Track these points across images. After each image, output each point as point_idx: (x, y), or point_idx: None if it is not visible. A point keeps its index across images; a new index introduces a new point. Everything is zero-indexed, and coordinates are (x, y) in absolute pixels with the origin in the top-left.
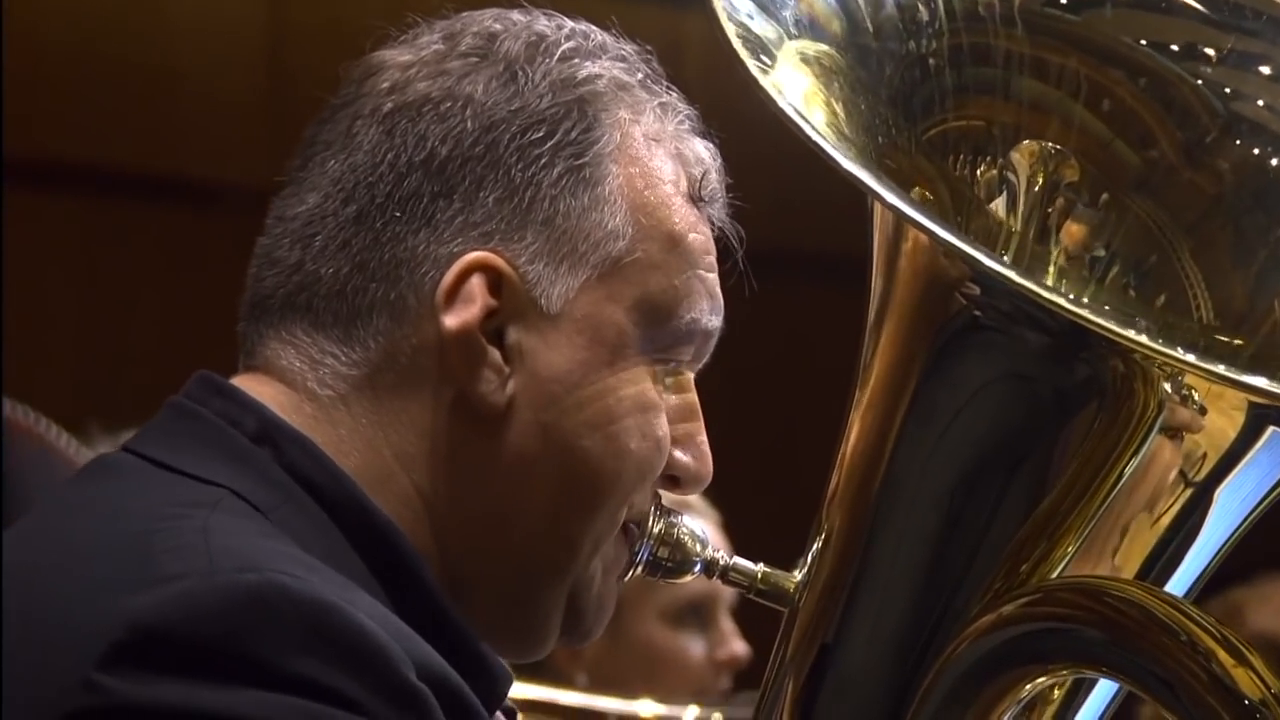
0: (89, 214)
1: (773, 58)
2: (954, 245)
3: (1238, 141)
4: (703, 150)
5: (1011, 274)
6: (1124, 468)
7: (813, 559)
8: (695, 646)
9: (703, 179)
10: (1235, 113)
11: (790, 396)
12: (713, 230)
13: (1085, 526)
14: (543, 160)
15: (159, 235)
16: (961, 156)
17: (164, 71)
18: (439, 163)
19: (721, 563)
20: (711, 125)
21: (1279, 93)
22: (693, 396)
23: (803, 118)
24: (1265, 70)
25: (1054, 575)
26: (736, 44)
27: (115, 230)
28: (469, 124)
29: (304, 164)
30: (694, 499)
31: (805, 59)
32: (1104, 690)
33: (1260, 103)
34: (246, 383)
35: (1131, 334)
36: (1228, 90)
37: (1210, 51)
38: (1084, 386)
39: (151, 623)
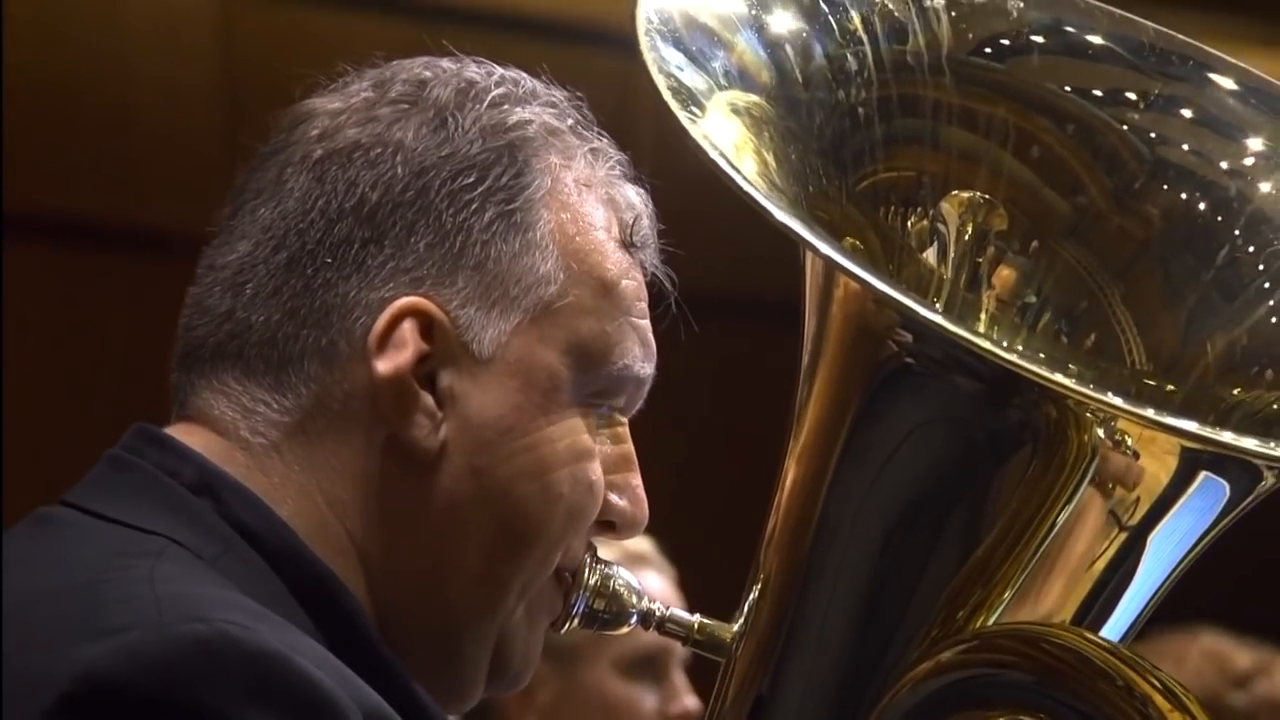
0: (48, 261)
1: (702, 108)
2: (885, 293)
3: (1165, 186)
4: (634, 196)
5: (942, 320)
6: (1059, 513)
7: (749, 607)
8: (647, 699)
9: (634, 224)
10: (1161, 158)
11: (738, 444)
12: (645, 275)
13: (1021, 572)
14: (474, 205)
15: (117, 282)
16: (892, 207)
17: (120, 119)
18: (369, 209)
19: (658, 614)
20: (665, 173)
21: (1204, 137)
22: (628, 442)
23: (733, 167)
24: (1188, 114)
25: (991, 621)
26: (667, 95)
27: (74, 277)
28: (399, 170)
29: (234, 212)
30: (651, 555)
31: (736, 109)
32: None
33: (1185, 147)
34: (180, 432)
35: (1061, 379)
36: (1153, 135)
37: (1134, 97)
38: (1017, 431)
39: (100, 674)
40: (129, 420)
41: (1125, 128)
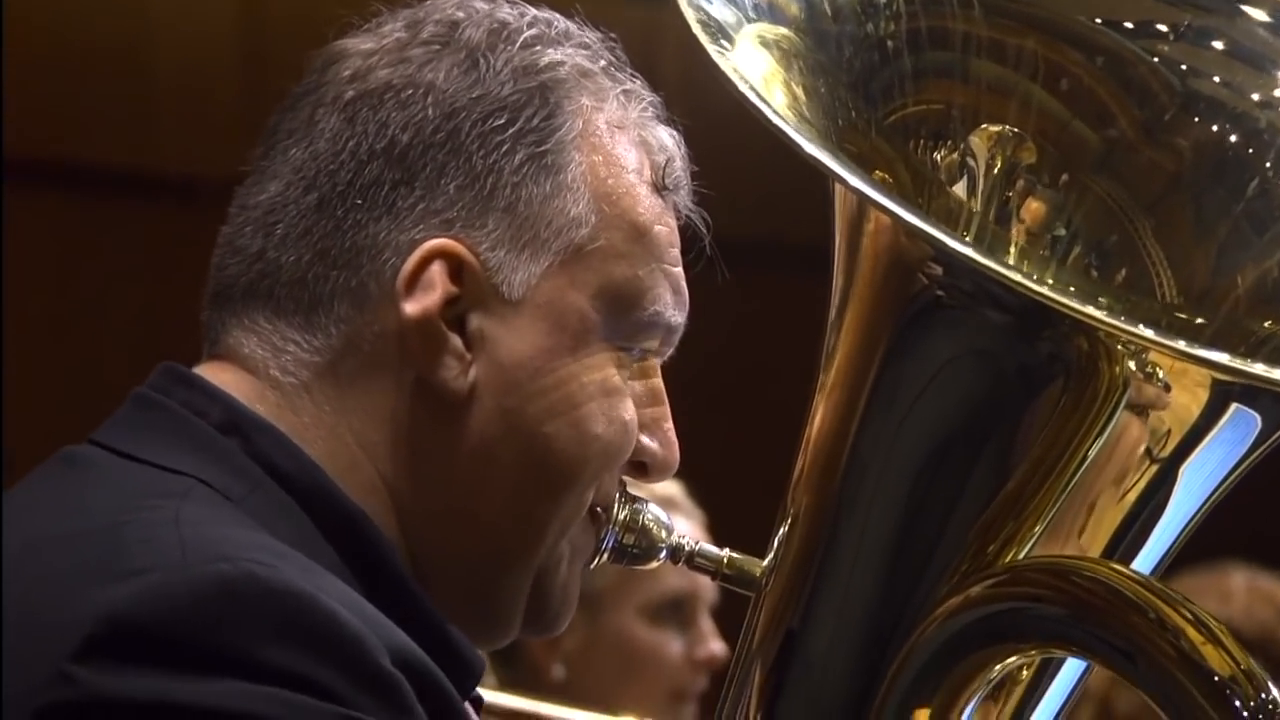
0: (64, 210)
1: (731, 41)
2: (916, 225)
3: (1196, 119)
4: (666, 138)
5: (972, 253)
6: (1090, 446)
7: (779, 543)
8: (673, 644)
9: (666, 166)
10: (1192, 90)
11: (766, 385)
12: (679, 218)
13: (1052, 505)
14: (504, 147)
15: (135, 230)
16: (921, 140)
17: (139, 66)
18: (400, 150)
19: (688, 548)
20: (689, 117)
21: (1234, 69)
22: (658, 383)
23: (763, 100)
24: (1219, 45)
25: (1021, 555)
26: (696, 28)
27: (91, 226)
28: (430, 111)
29: (267, 152)
30: (680, 499)
31: (765, 42)
32: (1072, 670)
33: (1216, 79)
34: (210, 371)
35: (1093, 311)
36: (1184, 67)
37: (1165, 29)
38: (1049, 365)
39: (125, 615)
40: (147, 368)
41: (1155, 59)
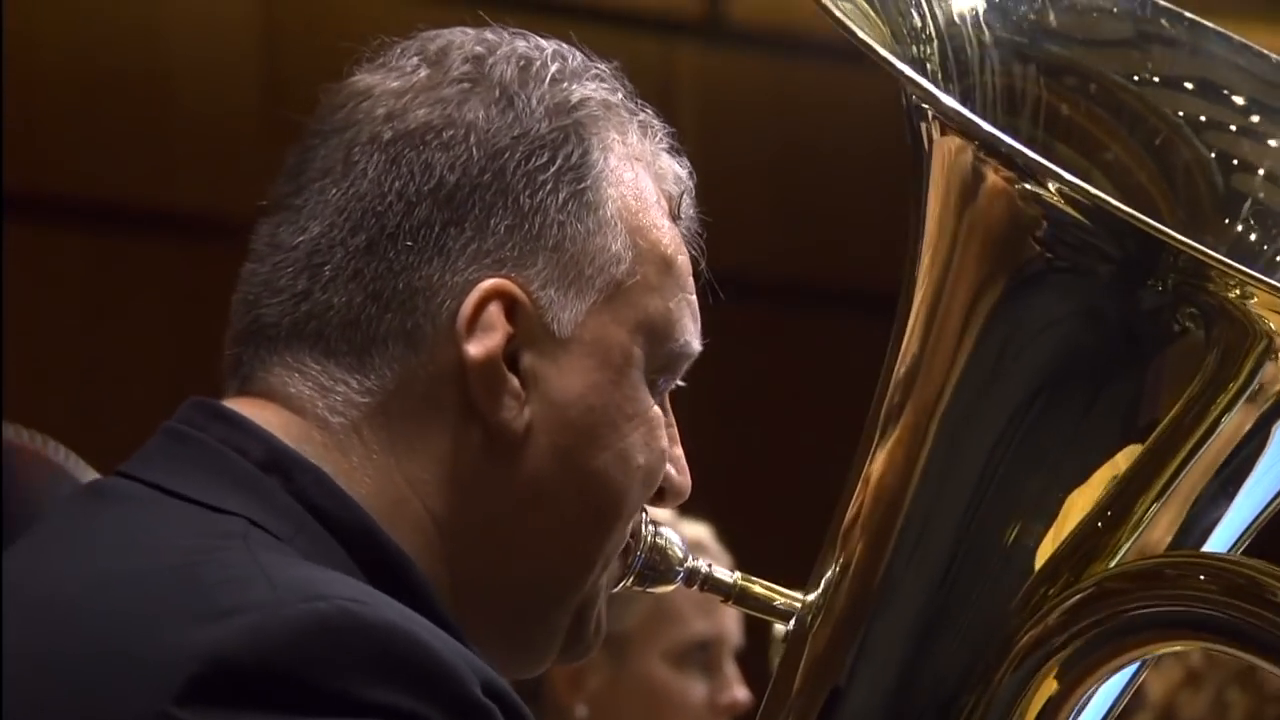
0: (86, 246)
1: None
2: (1038, 161)
3: (1225, 220)
4: (678, 168)
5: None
6: (1220, 417)
7: (828, 585)
8: (697, 689)
9: (681, 198)
10: (1234, 189)
11: (782, 424)
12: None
13: (1159, 498)
14: (548, 186)
15: (154, 264)
16: None
17: (159, 102)
18: (448, 191)
19: (703, 571)
20: (706, 156)
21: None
22: (670, 415)
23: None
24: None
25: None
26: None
27: (112, 261)
28: (475, 152)
29: (297, 190)
30: (709, 542)
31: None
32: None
33: (1253, 164)
34: (250, 408)
35: (1242, 266)
36: (1235, 162)
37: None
38: (1191, 340)
39: (226, 656)
40: (166, 401)
41: (1205, 150)
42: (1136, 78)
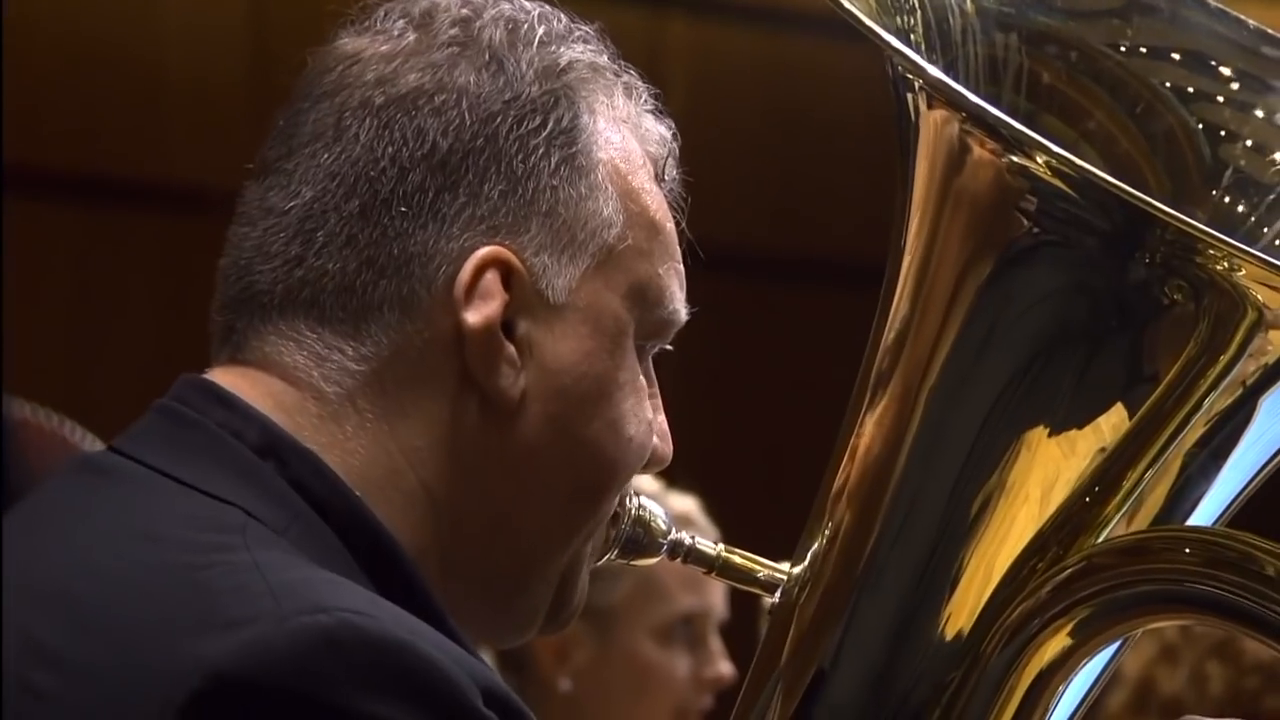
0: (78, 219)
1: None
2: (1025, 133)
3: (1212, 192)
4: (663, 129)
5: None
6: (1207, 394)
7: (814, 558)
8: (682, 663)
9: (665, 160)
10: (1221, 157)
11: (767, 399)
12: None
13: (1149, 468)
14: (540, 150)
15: (146, 237)
16: None
17: (150, 75)
18: (441, 157)
19: (685, 543)
20: (696, 127)
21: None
22: (653, 377)
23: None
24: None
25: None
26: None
27: (104, 235)
28: (467, 117)
29: (287, 154)
30: (696, 516)
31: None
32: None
33: (1236, 132)
34: (241, 381)
35: (1232, 240)
36: (1223, 133)
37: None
38: (1181, 312)
39: (230, 671)
40: (157, 375)
41: (1201, 126)
42: (1118, 46)
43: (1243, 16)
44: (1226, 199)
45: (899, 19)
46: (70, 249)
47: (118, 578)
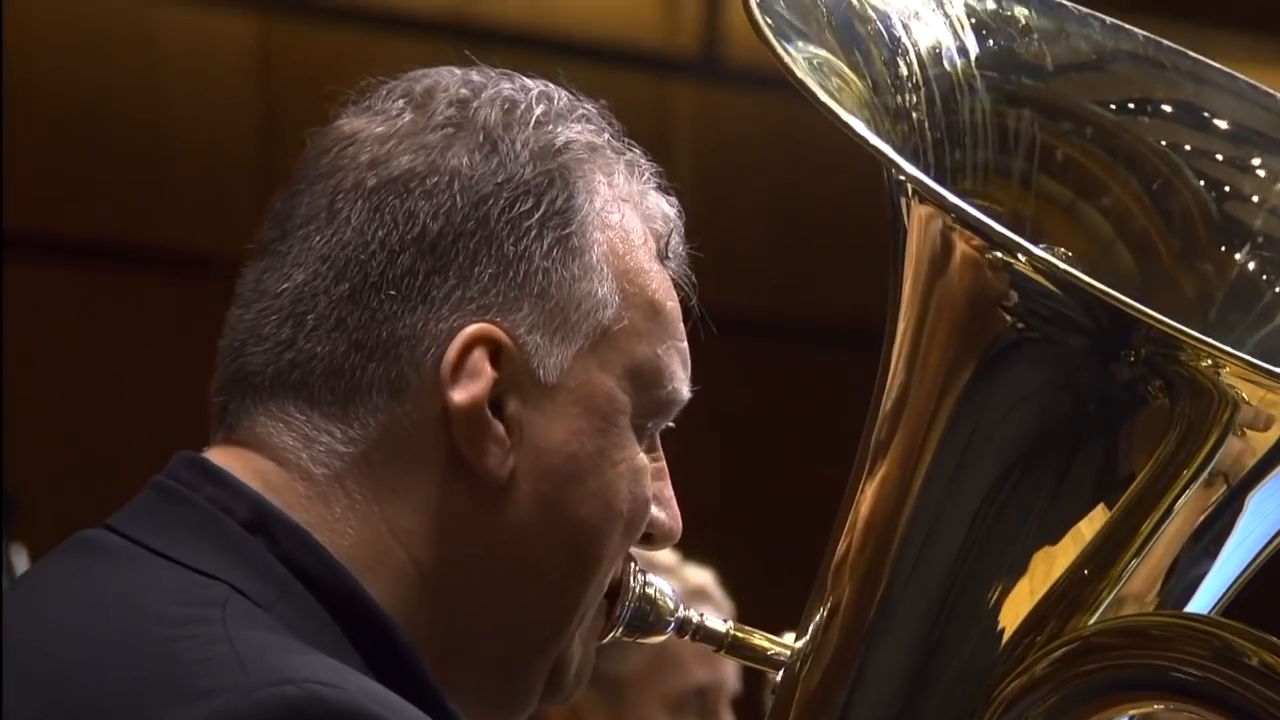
0: (81, 283)
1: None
2: (1011, 238)
3: (1223, 248)
4: (666, 207)
5: (1086, 276)
6: (1186, 485)
7: (816, 629)
8: None
9: (669, 237)
10: (1230, 216)
11: (767, 462)
12: (677, 287)
13: (1135, 556)
14: (533, 233)
15: (150, 305)
16: None
17: (155, 139)
18: (431, 239)
19: (694, 621)
20: (702, 192)
21: (1266, 189)
22: (661, 455)
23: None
24: (1263, 173)
25: (1093, 619)
26: (803, 76)
27: (108, 300)
28: (458, 199)
29: (282, 236)
30: (711, 589)
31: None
32: None
33: (1255, 199)
34: (233, 460)
35: (1201, 336)
36: (1227, 189)
37: (1219, 153)
38: (1158, 408)
39: None
40: (159, 443)
41: (1201, 183)
42: (1131, 110)
43: (1272, 91)
44: (1250, 266)
45: (900, 98)
46: (71, 314)
47: (93, 649)
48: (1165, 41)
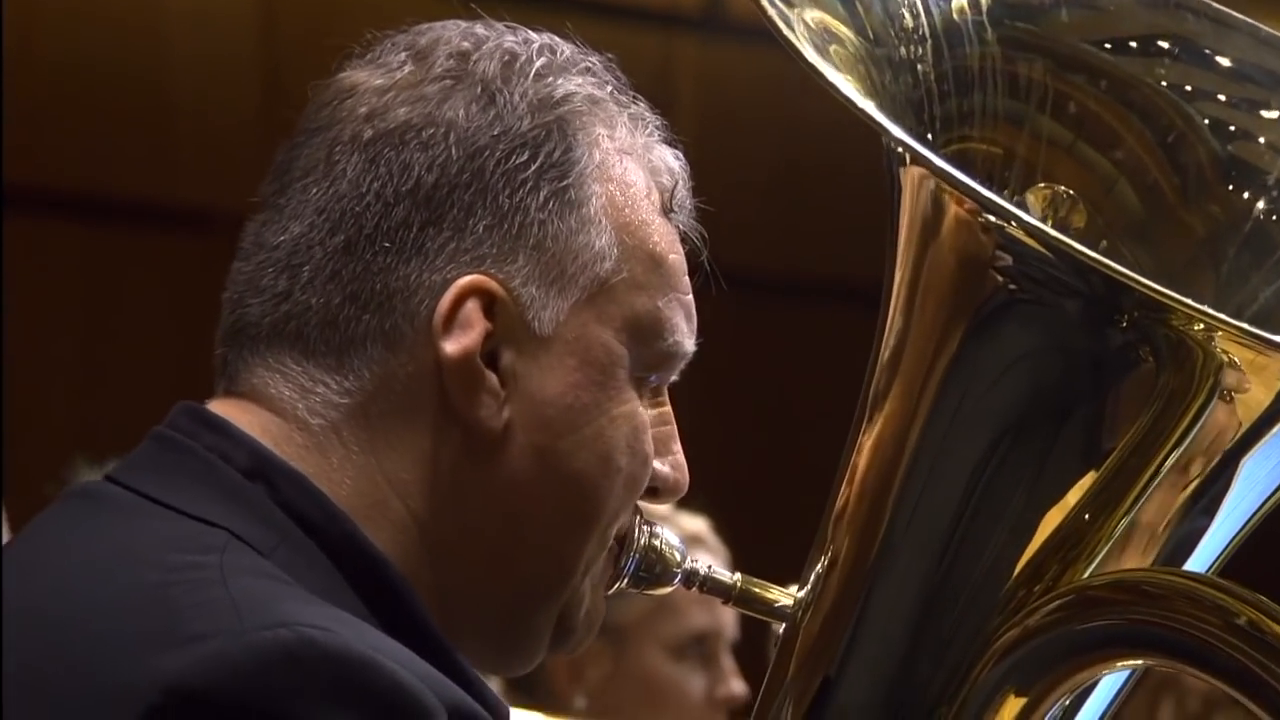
0: (86, 240)
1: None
2: (1000, 204)
3: (1230, 186)
4: (672, 159)
5: (1061, 236)
6: (1172, 449)
7: (816, 579)
8: (695, 682)
9: (674, 190)
10: (1233, 156)
11: (776, 416)
12: (682, 240)
13: (1125, 515)
14: (529, 184)
15: (155, 261)
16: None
17: (159, 99)
18: (426, 191)
19: (701, 573)
20: (705, 149)
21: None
22: (668, 407)
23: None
24: (1268, 114)
25: (1087, 573)
26: (796, 39)
27: (112, 256)
28: (453, 151)
29: (282, 189)
30: (706, 536)
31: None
32: (1107, 685)
33: (1261, 140)
34: (233, 410)
35: (1191, 302)
36: (1233, 129)
37: (1221, 94)
38: (1132, 358)
39: (187, 685)
40: (163, 397)
41: (1206, 122)
42: (1146, 53)
43: None
44: (1265, 214)
45: (903, 49)
46: (76, 270)
47: (88, 598)
48: None
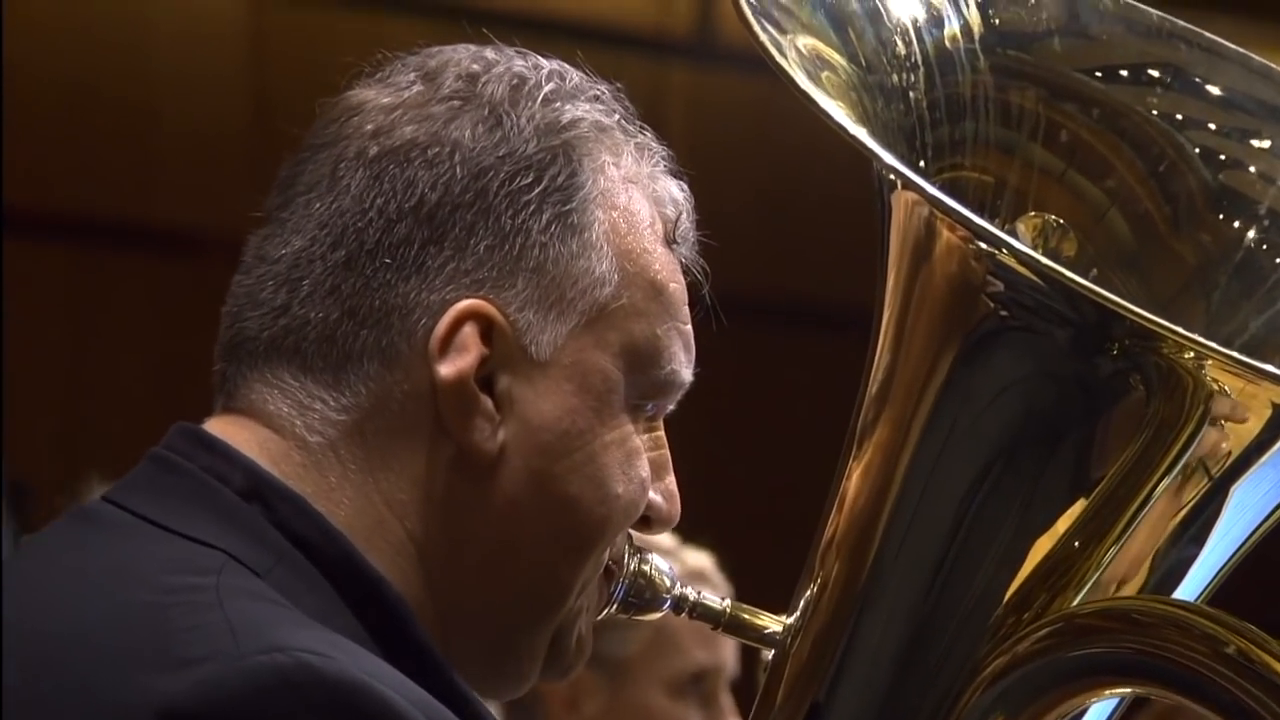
0: (75, 262)
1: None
2: (992, 232)
3: (1221, 215)
4: (676, 190)
5: (1057, 266)
6: (1161, 476)
7: (806, 605)
8: (693, 718)
9: (677, 221)
10: (1224, 185)
11: (767, 444)
12: (684, 271)
13: (1115, 544)
14: (531, 207)
15: (140, 280)
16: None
17: (147, 117)
18: (429, 210)
19: (691, 599)
20: (695, 173)
21: (1274, 165)
22: (662, 436)
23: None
24: (1258, 144)
25: (1076, 601)
26: (788, 65)
27: (100, 277)
28: (458, 170)
29: (285, 204)
30: (710, 571)
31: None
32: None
33: (1252, 170)
34: (230, 427)
35: (1183, 331)
36: (1223, 158)
37: (1211, 123)
38: (1122, 387)
39: (182, 709)
40: (153, 419)
41: (1196, 150)
42: (1137, 82)
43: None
44: (1255, 244)
45: (895, 76)
46: (64, 290)
47: (84, 619)
48: (1178, 20)
